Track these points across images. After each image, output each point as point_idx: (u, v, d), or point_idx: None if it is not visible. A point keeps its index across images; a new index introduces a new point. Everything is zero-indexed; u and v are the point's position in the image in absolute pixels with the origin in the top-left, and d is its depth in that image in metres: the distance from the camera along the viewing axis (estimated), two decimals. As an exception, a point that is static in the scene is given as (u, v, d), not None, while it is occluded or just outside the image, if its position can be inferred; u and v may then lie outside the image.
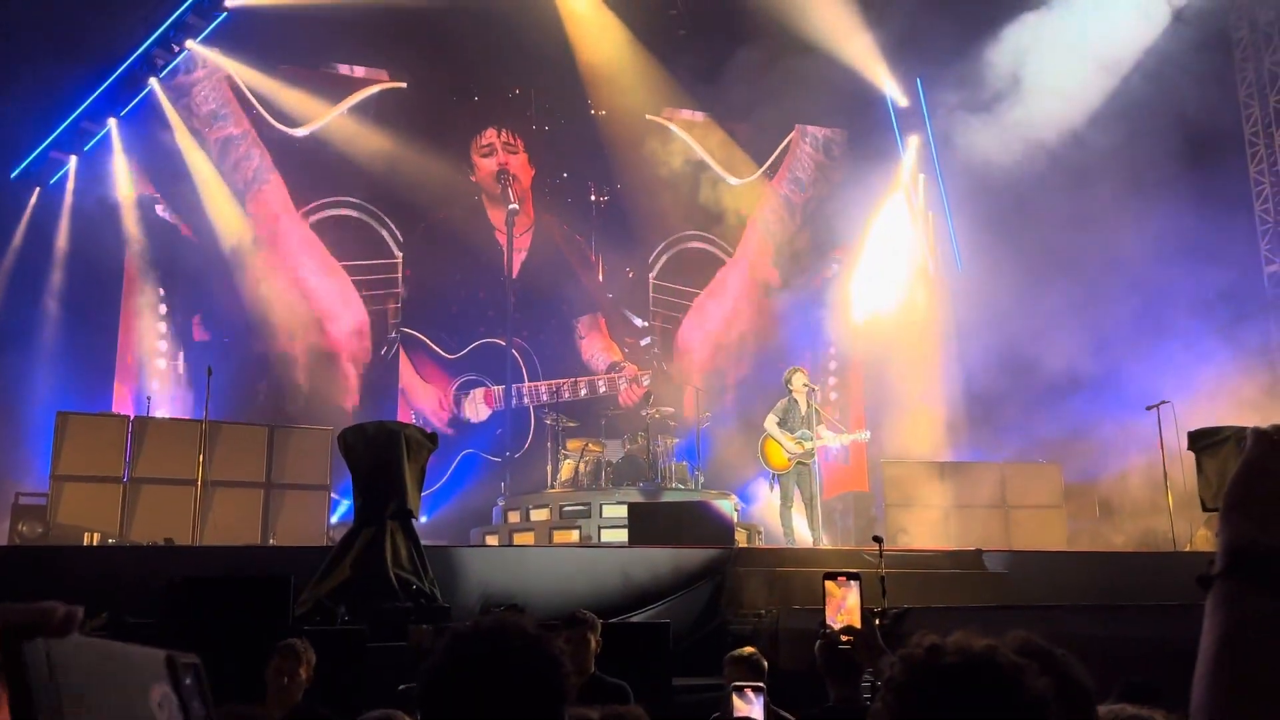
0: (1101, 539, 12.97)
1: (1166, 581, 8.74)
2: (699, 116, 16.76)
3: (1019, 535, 12.61)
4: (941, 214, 16.47)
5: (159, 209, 14.08)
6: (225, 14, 14.07)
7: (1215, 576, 1.11)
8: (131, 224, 13.78)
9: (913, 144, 16.41)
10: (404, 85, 15.45)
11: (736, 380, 16.10)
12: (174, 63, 14.07)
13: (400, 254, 15.44)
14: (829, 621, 2.63)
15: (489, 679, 1.46)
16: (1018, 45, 13.85)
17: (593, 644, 4.83)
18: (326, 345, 14.60)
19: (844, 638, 2.56)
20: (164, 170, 14.06)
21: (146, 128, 13.98)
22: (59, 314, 12.98)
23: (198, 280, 14.00)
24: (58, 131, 13.40)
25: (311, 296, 14.66)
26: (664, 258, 16.85)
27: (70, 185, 13.58)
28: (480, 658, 1.47)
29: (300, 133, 14.85)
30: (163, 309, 13.99)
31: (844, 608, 2.62)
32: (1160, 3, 13.50)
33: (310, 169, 14.85)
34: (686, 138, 16.59)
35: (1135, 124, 13.02)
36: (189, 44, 14.03)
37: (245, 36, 14.38)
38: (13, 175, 13.18)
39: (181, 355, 13.98)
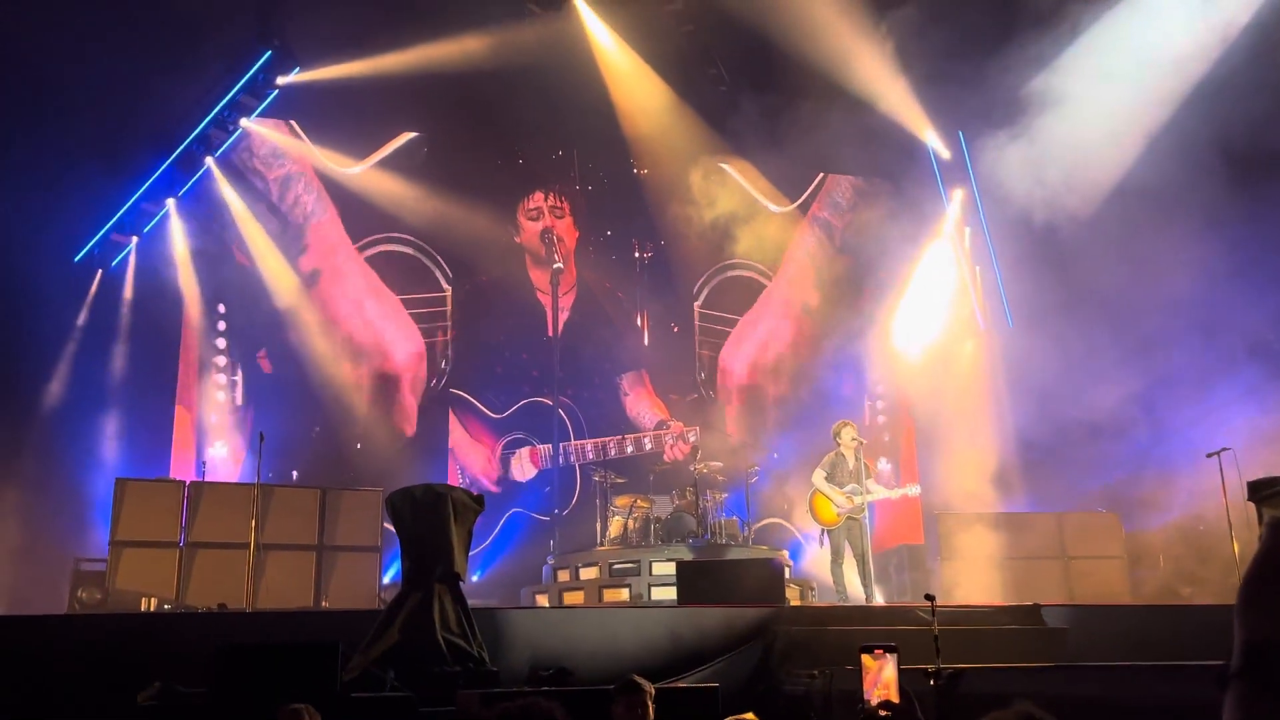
0: (1167, 592, 12.59)
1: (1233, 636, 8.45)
2: (741, 164, 16.87)
3: (1079, 588, 12.29)
4: (989, 267, 16.31)
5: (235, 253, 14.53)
6: (276, 91, 14.52)
7: (1232, 675, 1.07)
8: (190, 283, 14.17)
9: (956, 196, 16.30)
10: (444, 140, 15.79)
11: (775, 398, 16.12)
12: (229, 141, 14.56)
13: (449, 287, 15.72)
14: (866, 696, 2.57)
15: None
16: (1060, 85, 13.74)
17: (650, 711, 4.77)
18: (389, 370, 15.09)
19: (882, 713, 2.51)
20: (221, 244, 14.45)
21: (205, 205, 14.43)
22: (120, 386, 13.35)
23: (258, 318, 14.46)
24: (119, 214, 13.85)
25: (371, 325, 15.13)
26: (707, 288, 16.95)
27: (131, 265, 14.03)
28: None
29: (354, 169, 15.30)
30: (221, 343, 14.42)
31: (881, 680, 2.57)
32: (1211, 27, 13.21)
33: (363, 208, 15.29)
34: (731, 173, 16.68)
35: (1188, 158, 12.75)
36: (243, 122, 14.51)
37: (297, 110, 14.86)
38: (76, 259, 13.60)
39: (240, 387, 14.35)
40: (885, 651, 2.57)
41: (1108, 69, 13.51)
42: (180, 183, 14.32)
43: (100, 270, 13.82)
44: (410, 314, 15.54)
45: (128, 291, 13.87)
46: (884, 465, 16.39)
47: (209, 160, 14.38)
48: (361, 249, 15.42)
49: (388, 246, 15.54)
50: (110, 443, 13.01)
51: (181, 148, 14.15)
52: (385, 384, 15.11)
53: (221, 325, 14.46)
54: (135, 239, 14.08)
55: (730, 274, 17.08)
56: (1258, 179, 12.84)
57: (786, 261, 17.10)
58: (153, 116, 13.61)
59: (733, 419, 16.30)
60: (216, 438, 14.10)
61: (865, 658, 2.56)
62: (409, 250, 15.63)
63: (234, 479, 13.27)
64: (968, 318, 16.22)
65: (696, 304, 16.88)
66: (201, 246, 14.34)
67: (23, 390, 12.70)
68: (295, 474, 13.65)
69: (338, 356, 14.79)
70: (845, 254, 16.81)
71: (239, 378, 14.47)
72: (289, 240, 14.96)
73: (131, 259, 14.06)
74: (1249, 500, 9.12)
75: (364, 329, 15.12)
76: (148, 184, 14.00)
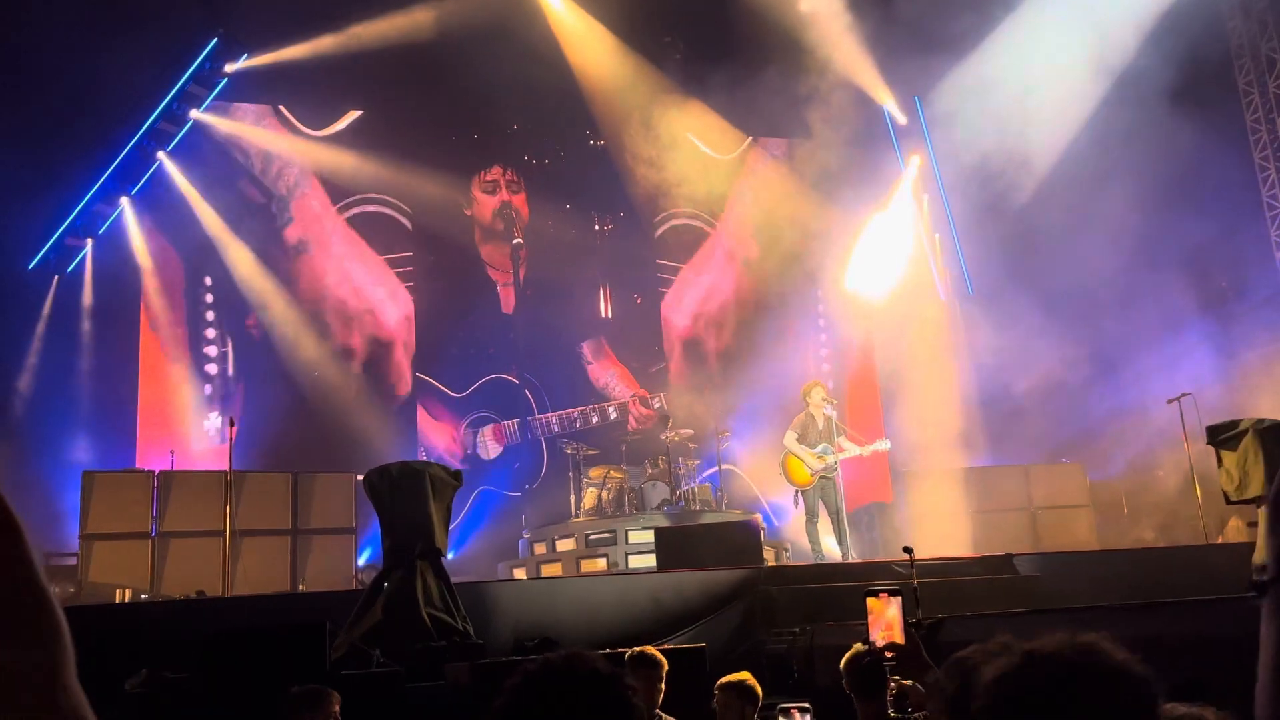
0: (1131, 536, 12.90)
1: (1200, 575, 8.71)
2: (696, 124, 16.71)
3: (1047, 537, 12.55)
4: (948, 235, 16.43)
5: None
6: (226, 79, 14.24)
7: (1270, 583, 1.12)
8: (151, 278, 13.98)
9: (914, 163, 16.30)
10: (395, 114, 15.63)
11: (717, 350, 16.24)
12: (180, 134, 14.21)
13: (412, 250, 15.70)
14: (872, 638, 2.64)
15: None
16: (1007, 54, 13.89)
17: (661, 686, 4.78)
18: (383, 335, 15.07)
19: (888, 654, 2.58)
20: (181, 237, 14.24)
21: (160, 200, 14.15)
22: (84, 385, 13.20)
23: (239, 295, 14.39)
24: (71, 217, 13.47)
25: (360, 291, 15.12)
26: (656, 232, 16.90)
27: (89, 268, 13.69)
28: (552, 698, 1.46)
29: (322, 133, 15.26)
30: (210, 315, 14.33)
31: (885, 622, 2.64)
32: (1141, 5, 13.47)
33: (336, 172, 15.24)
34: (686, 135, 16.47)
35: (1137, 116, 13.00)
36: (193, 114, 14.20)
37: (247, 95, 14.63)
38: (30, 266, 13.26)
39: (230, 359, 14.32)
40: (890, 595, 2.63)
41: (1058, 27, 13.67)
42: (133, 180, 13.96)
43: (56, 276, 13.47)
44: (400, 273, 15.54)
45: (87, 295, 13.56)
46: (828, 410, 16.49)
47: (161, 155, 14.05)
48: (340, 210, 15.35)
49: (367, 207, 15.44)
50: (75, 439, 12.83)
51: (131, 144, 13.78)
52: (379, 349, 15.06)
53: (209, 298, 14.32)
54: (90, 241, 13.71)
55: (676, 222, 16.98)
56: (1208, 132, 13.11)
57: (731, 210, 16.96)
58: (98, 114, 13.20)
59: (675, 373, 16.32)
60: (211, 410, 14.05)
61: (871, 601, 2.63)
62: (386, 210, 15.52)
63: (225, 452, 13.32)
64: (928, 285, 16.30)
65: (654, 255, 16.81)
66: (167, 236, 14.10)
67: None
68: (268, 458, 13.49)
69: (327, 325, 14.71)
70: (798, 206, 16.59)
71: (229, 349, 14.36)
72: (276, 211, 14.82)
73: (88, 262, 13.70)
74: (1208, 443, 9.37)
75: (355, 295, 15.05)
76: (98, 184, 13.62)
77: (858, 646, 3.56)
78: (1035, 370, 13.42)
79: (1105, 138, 13.41)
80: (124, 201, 13.91)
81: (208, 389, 14.23)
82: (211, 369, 14.32)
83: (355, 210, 15.45)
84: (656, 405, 15.55)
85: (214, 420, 14.11)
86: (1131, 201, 12.96)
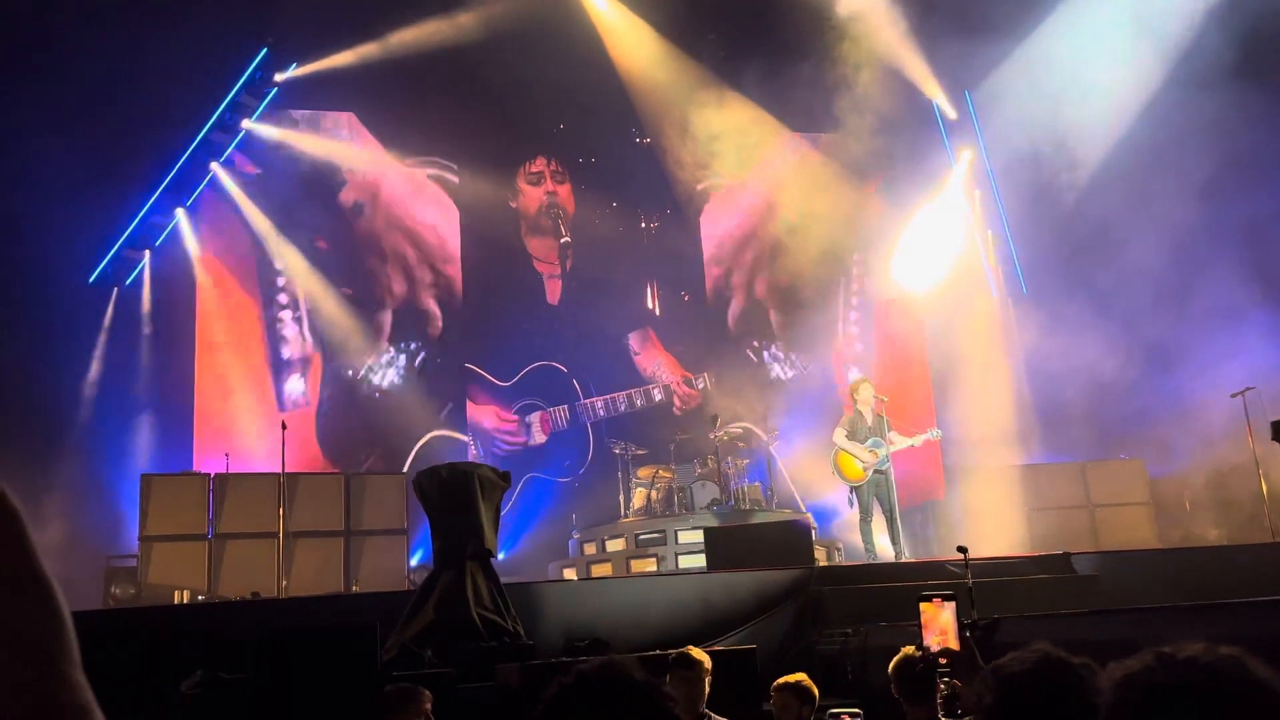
0: (1195, 534, 12.57)
1: (1268, 574, 8.44)
2: (742, 120, 16.59)
3: (1106, 535, 12.29)
4: (1000, 232, 16.13)
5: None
6: (276, 89, 14.40)
7: None
8: (208, 285, 14.26)
9: (964, 158, 15.98)
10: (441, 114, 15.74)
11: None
12: (233, 145, 14.42)
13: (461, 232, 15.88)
14: (926, 643, 2.57)
15: None
16: (1058, 42, 13.61)
17: (706, 685, 4.74)
18: (442, 282, 15.31)
19: (941, 660, 2.51)
20: (236, 242, 14.45)
21: (214, 209, 14.37)
22: (146, 392, 13.49)
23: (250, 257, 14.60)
24: (129, 230, 13.71)
25: (427, 237, 15.38)
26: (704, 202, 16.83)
27: (147, 280, 13.94)
28: (587, 710, 1.43)
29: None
30: (281, 280, 14.61)
31: (940, 628, 2.57)
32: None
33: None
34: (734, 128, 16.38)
35: (1194, 98, 12.63)
36: (245, 124, 14.39)
37: (299, 102, 14.84)
38: (91, 280, 13.52)
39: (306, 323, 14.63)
40: (943, 600, 2.56)
41: (1110, 9, 13.37)
42: (187, 192, 14.17)
43: (115, 289, 13.73)
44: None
45: (145, 304, 13.82)
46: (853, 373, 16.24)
47: (214, 166, 14.25)
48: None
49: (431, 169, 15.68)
50: (137, 445, 13.10)
51: (185, 155, 13.99)
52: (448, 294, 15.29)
53: (277, 296, 14.62)
54: (148, 253, 13.97)
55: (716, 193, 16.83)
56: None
57: (781, 184, 16.71)
58: (152, 127, 13.42)
59: (734, 318, 16.16)
60: (292, 373, 14.42)
61: (924, 606, 2.56)
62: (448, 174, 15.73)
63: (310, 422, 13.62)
64: (980, 282, 15.99)
65: (702, 249, 16.73)
66: (222, 243, 14.37)
67: (51, 412, 12.71)
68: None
69: (397, 271, 14.98)
70: (843, 198, 16.33)
71: (303, 313, 14.63)
72: (326, 173, 15.00)
73: (146, 274, 13.96)
74: (1274, 439, 9.08)
75: (428, 232, 15.30)
76: (154, 197, 13.84)
77: (906, 650, 3.49)
78: (1092, 365, 13.11)
79: (1162, 123, 13.05)
80: (179, 213, 14.12)
81: (285, 351, 14.52)
82: (285, 350, 14.58)
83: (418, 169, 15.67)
84: (700, 386, 15.47)
85: (295, 383, 14.38)
86: (1190, 187, 12.61)
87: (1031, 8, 13.81)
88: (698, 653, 4.86)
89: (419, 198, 15.61)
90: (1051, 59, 13.55)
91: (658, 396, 15.84)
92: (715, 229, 16.83)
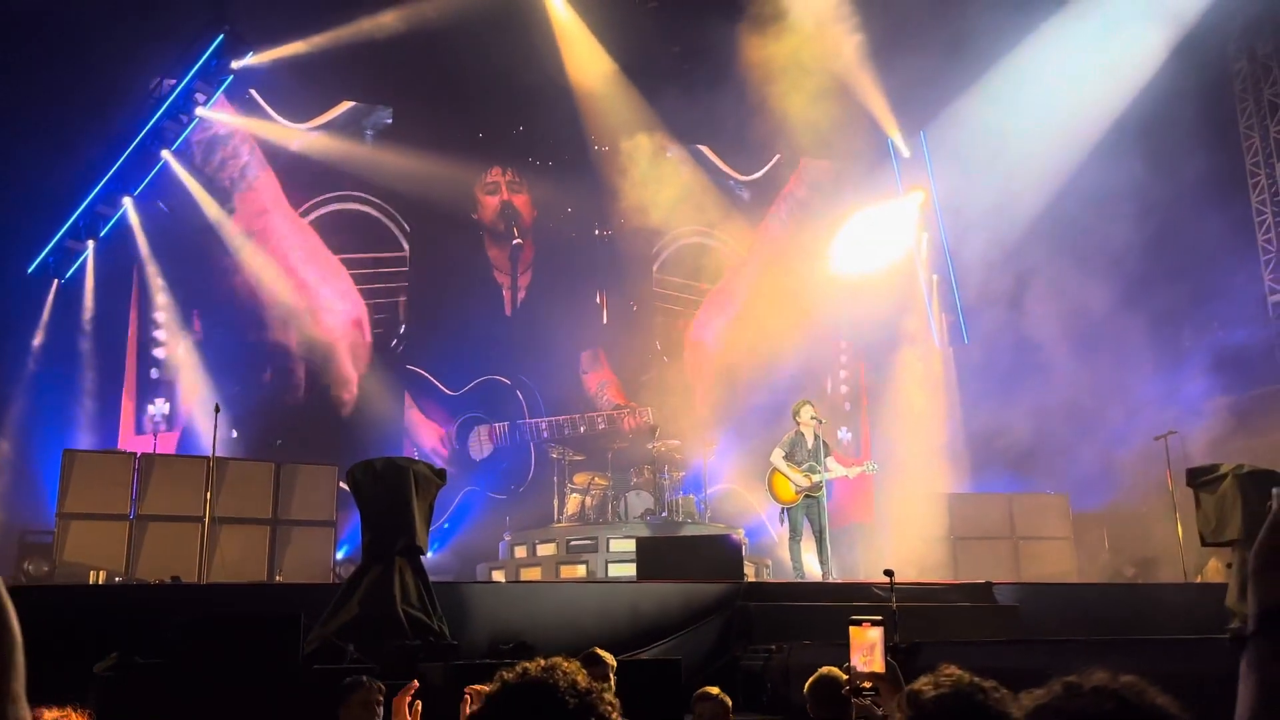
0: (1112, 570, 12.91)
1: (1178, 614, 8.70)
2: (698, 147, 16.92)
3: (1028, 566, 12.55)
4: (945, 276, 16.44)
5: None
6: (231, 76, 14.14)
7: (1249, 636, 1.11)
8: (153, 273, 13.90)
9: (915, 197, 16.24)
10: (401, 110, 15.58)
11: (746, 368, 15.99)
12: (185, 133, 14.11)
13: (408, 247, 15.55)
14: (853, 664, 2.63)
15: None
16: (1012, 96, 13.97)
17: (610, 685, 4.79)
18: (322, 335, 14.72)
19: (867, 684, 2.57)
20: (184, 236, 14.13)
21: (164, 199, 14.05)
22: (88, 375, 13.19)
23: (196, 270, 14.17)
24: (72, 219, 13.31)
25: (305, 288, 14.79)
26: (664, 253, 16.92)
27: (90, 271, 13.53)
28: (529, 711, 1.43)
29: (304, 128, 15.12)
30: (162, 299, 14.09)
31: (866, 649, 2.62)
32: (1155, 39, 13.53)
33: (313, 167, 15.08)
34: (691, 149, 16.67)
35: (1135, 161, 13.09)
36: (199, 112, 14.10)
37: (247, 84, 14.57)
38: (29, 270, 13.12)
39: (181, 349, 14.11)
40: (872, 624, 2.62)
41: (1059, 74, 13.77)
42: (137, 181, 13.78)
43: (56, 281, 13.31)
44: (368, 273, 15.35)
45: (88, 298, 13.44)
46: (844, 434, 16.56)
47: (165, 154, 13.93)
48: (313, 207, 15.20)
49: (344, 205, 15.32)
50: (73, 429, 12.82)
51: (135, 143, 13.60)
52: (321, 350, 14.81)
53: (160, 280, 14.14)
54: (92, 243, 13.54)
55: (687, 242, 17.02)
56: (1205, 178, 13.19)
57: (745, 231, 16.99)
58: (102, 113, 13.08)
59: (702, 392, 16.31)
60: (156, 396, 13.95)
61: (854, 629, 2.61)
62: (368, 209, 15.44)
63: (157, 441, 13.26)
64: (922, 327, 16.26)
65: (653, 267, 16.84)
66: (168, 233, 14.02)
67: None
68: (234, 433, 13.38)
69: (268, 321, 14.50)
70: (802, 229, 16.62)
71: (183, 341, 14.22)
72: (216, 200, 14.56)
73: (90, 264, 13.55)
74: (1188, 485, 9.35)
75: (296, 292, 14.73)
76: (100, 185, 13.43)
77: (823, 670, 3.54)
78: (1024, 403, 13.42)
79: (1103, 180, 13.48)
80: (127, 202, 13.74)
81: (154, 373, 14.10)
82: (160, 352, 14.18)
83: (330, 209, 15.32)
84: (644, 419, 15.50)
85: (160, 406, 13.98)
86: (1128, 241, 13.04)
87: (992, 59, 14.14)
88: (602, 652, 4.91)
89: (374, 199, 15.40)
90: (1004, 108, 13.90)
91: (601, 425, 15.85)
92: (685, 270, 17.01)
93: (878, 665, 2.58)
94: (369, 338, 15.19)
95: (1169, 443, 10.71)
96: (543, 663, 1.46)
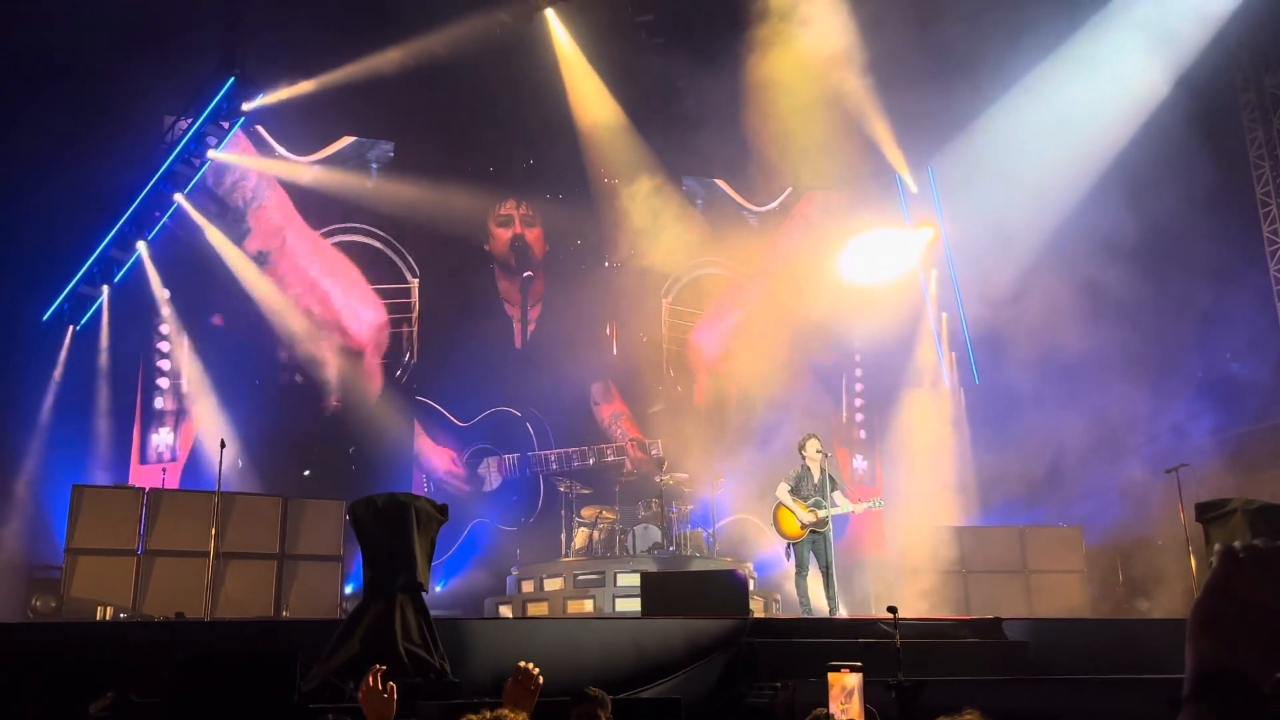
0: (1125, 606, 12.74)
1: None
2: (712, 180, 17.03)
3: (1040, 600, 12.41)
4: (955, 314, 16.43)
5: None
6: (243, 118, 14.29)
7: (1185, 700, 1.09)
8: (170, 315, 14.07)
9: (924, 236, 16.22)
10: (410, 145, 15.75)
11: (750, 394, 16.00)
12: (198, 176, 14.26)
13: (415, 280, 15.68)
14: (831, 710, 2.59)
15: None
16: (1017, 130, 14.01)
17: None
18: (349, 344, 14.98)
19: (841, 730, 2.53)
20: (197, 274, 14.27)
21: (179, 241, 14.20)
22: (103, 414, 13.34)
23: (209, 306, 14.35)
24: (87, 264, 13.42)
25: (327, 302, 15.03)
26: (678, 286, 16.96)
27: (105, 316, 13.65)
28: None
29: (309, 161, 15.29)
30: (165, 328, 14.20)
31: (845, 697, 2.58)
32: (1158, 70, 13.55)
33: (322, 199, 15.29)
34: (701, 181, 16.75)
35: (1144, 194, 13.07)
36: (211, 154, 14.25)
37: (259, 127, 14.77)
38: (45, 317, 13.23)
39: (191, 381, 14.21)
40: (850, 670, 2.58)
41: (1064, 106, 13.81)
42: (150, 225, 13.91)
43: (71, 327, 13.40)
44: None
45: (104, 342, 13.55)
46: (859, 463, 16.47)
47: (178, 197, 14.06)
48: (323, 236, 15.37)
49: (349, 236, 15.45)
50: (87, 467, 12.92)
51: (148, 188, 13.74)
52: (333, 374, 14.95)
53: (175, 320, 14.28)
54: (106, 288, 13.66)
55: (703, 273, 17.09)
56: (1216, 209, 13.16)
57: (757, 263, 17.06)
58: (114, 159, 13.19)
59: (705, 413, 16.28)
60: (163, 428, 14.04)
61: (832, 675, 2.58)
62: (374, 242, 15.57)
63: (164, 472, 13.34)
64: (933, 366, 16.25)
65: (667, 300, 16.86)
66: (183, 277, 14.18)
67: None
68: (240, 463, 13.42)
69: (295, 333, 14.68)
70: (813, 246, 16.63)
71: (194, 373, 14.32)
72: (229, 225, 14.70)
73: (105, 310, 13.66)
74: (1197, 520, 9.23)
75: (321, 304, 14.96)
76: (114, 230, 13.55)
77: (817, 711, 3.50)
78: (1037, 436, 13.33)
79: (1109, 213, 13.48)
80: (141, 246, 13.85)
81: (163, 404, 14.18)
82: (164, 382, 14.26)
83: (336, 239, 15.48)
84: (654, 452, 15.45)
85: (164, 436, 14.04)
86: (1136, 273, 13.00)
87: (997, 93, 14.19)
88: (595, 690, 4.87)
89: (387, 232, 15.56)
90: (1010, 141, 13.93)
91: (610, 457, 15.83)
92: (700, 301, 17.10)
93: (855, 713, 2.54)
94: (379, 366, 15.27)
95: (1180, 475, 10.59)
96: (488, 715, 1.45)
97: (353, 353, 15.04)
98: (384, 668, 3.84)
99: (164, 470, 12.87)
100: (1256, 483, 12.27)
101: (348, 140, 15.59)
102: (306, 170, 15.26)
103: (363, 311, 15.28)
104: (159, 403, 14.07)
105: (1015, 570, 12.77)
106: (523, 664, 3.67)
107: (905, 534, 13.19)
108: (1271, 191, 14.74)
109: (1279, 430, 13.29)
